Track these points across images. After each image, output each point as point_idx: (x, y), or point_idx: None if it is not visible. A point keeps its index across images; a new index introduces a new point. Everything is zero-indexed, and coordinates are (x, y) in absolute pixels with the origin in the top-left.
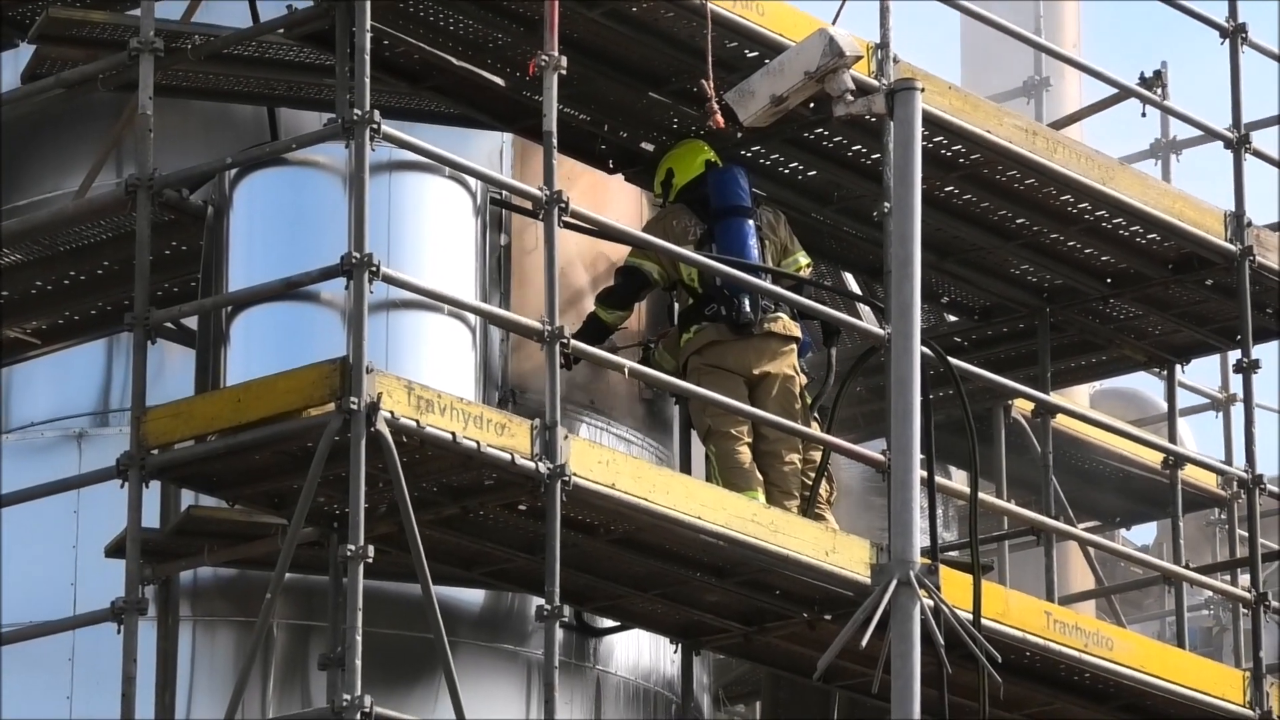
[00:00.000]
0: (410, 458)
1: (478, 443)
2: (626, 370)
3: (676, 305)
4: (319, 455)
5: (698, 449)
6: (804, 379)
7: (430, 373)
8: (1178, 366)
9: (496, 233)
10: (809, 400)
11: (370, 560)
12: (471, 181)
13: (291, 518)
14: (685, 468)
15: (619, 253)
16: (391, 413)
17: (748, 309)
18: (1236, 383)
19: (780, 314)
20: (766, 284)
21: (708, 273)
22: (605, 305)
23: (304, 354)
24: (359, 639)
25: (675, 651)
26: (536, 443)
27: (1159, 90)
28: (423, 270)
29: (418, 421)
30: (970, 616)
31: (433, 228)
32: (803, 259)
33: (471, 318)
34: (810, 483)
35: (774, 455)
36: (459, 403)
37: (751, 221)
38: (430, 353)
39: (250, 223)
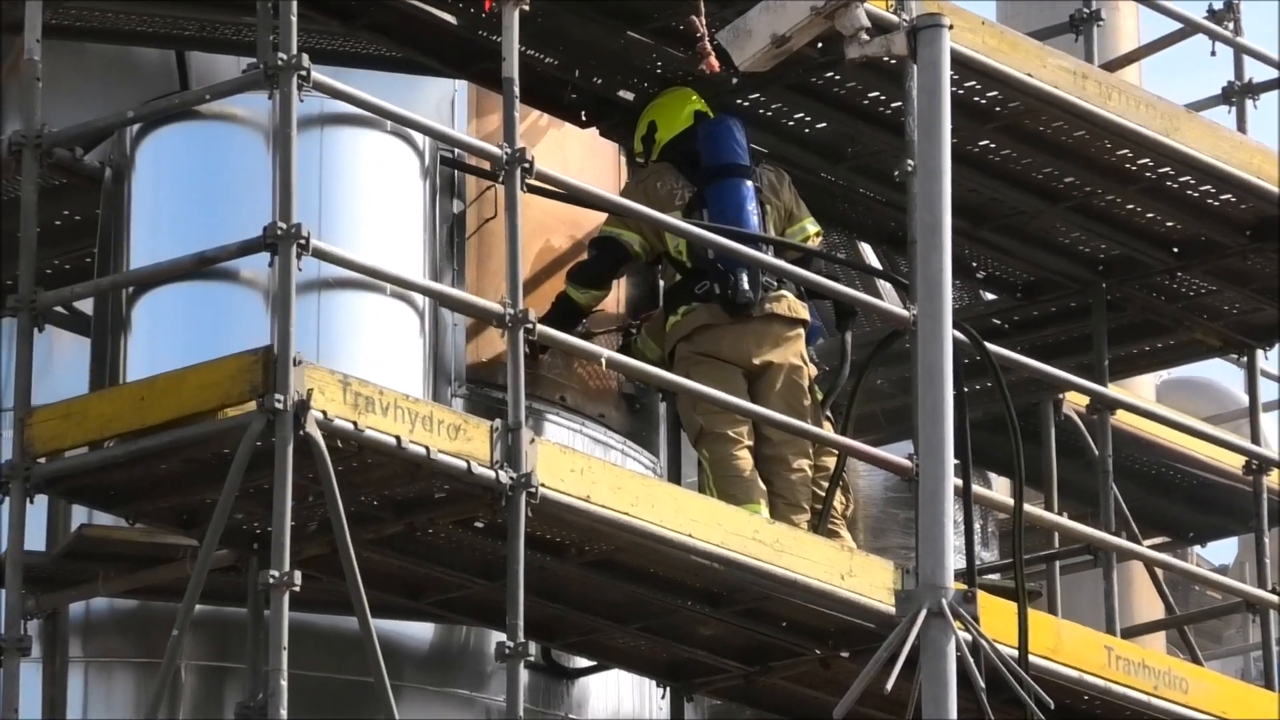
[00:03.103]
0: (346, 466)
1: (427, 448)
2: (603, 360)
3: (662, 282)
4: (237, 464)
5: (689, 454)
6: (814, 370)
7: (370, 365)
8: (1259, 352)
9: (449, 198)
10: (820, 395)
11: (297, 588)
12: (418, 138)
13: (203, 538)
14: (674, 476)
15: (595, 221)
16: (324, 413)
17: (746, 286)
18: None
19: (784, 292)
20: (768, 257)
21: (698, 244)
22: (578, 284)
23: (219, 343)
24: (284, 684)
25: (663, 696)
26: (497, 448)
27: (1230, 24)
28: (361, 243)
29: (355, 423)
30: (1015, 653)
31: (372, 193)
32: (811, 227)
33: (419, 299)
34: (822, 494)
35: (779, 461)
36: (404, 400)
37: (749, 182)
38: (370, 341)
39: (156, 187)
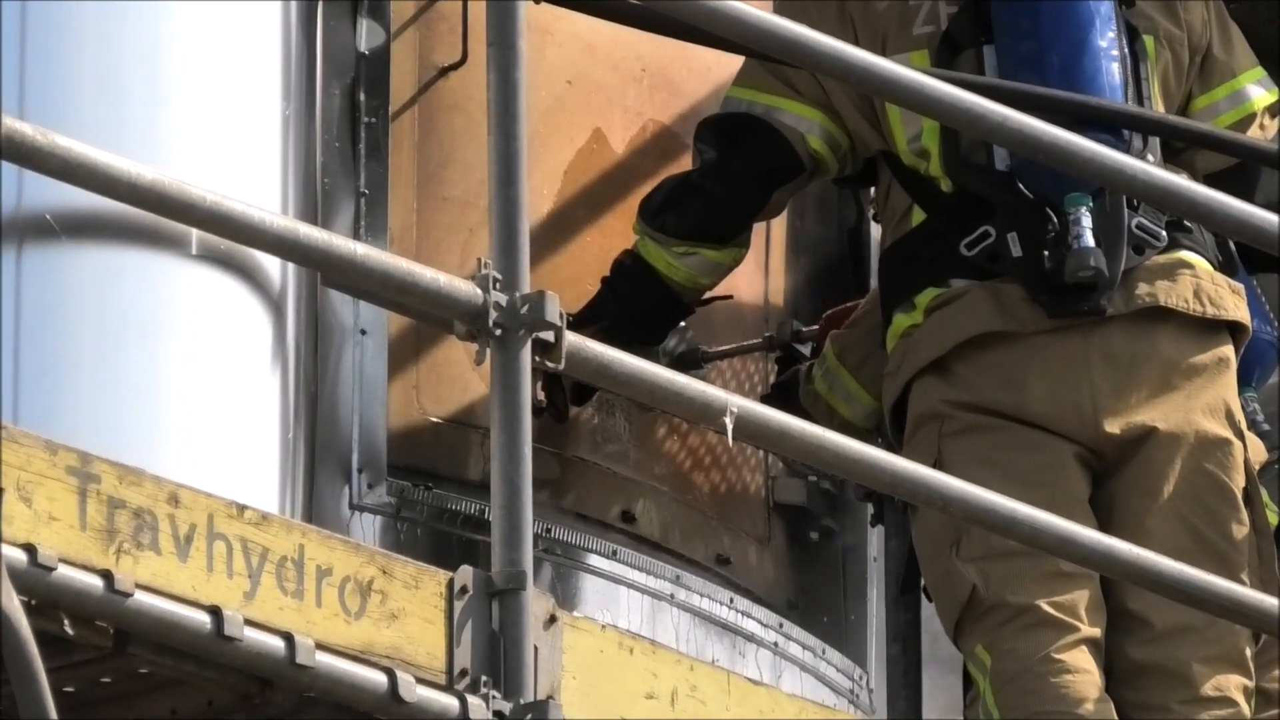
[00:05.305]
0: (87, 679)
1: (290, 640)
2: (729, 423)
3: (876, 228)
4: None
5: (943, 656)
6: (1262, 449)
7: (150, 432)
8: None
9: (348, 20)
10: (1278, 513)
11: None
12: None
13: None
14: (906, 713)
15: (713, 80)
16: (31, 550)
17: (1089, 242)
18: None
19: (1186, 254)
20: (1149, 165)
21: (968, 135)
22: (666, 231)
23: None
24: None
25: None
26: (464, 636)
27: None
28: (129, 131)
29: (108, 574)
30: None
31: (148, 14)
32: (1257, 91)
33: (272, 268)
34: None
35: (1169, 678)
36: (232, 519)
37: None
38: (150, 373)
39: None
